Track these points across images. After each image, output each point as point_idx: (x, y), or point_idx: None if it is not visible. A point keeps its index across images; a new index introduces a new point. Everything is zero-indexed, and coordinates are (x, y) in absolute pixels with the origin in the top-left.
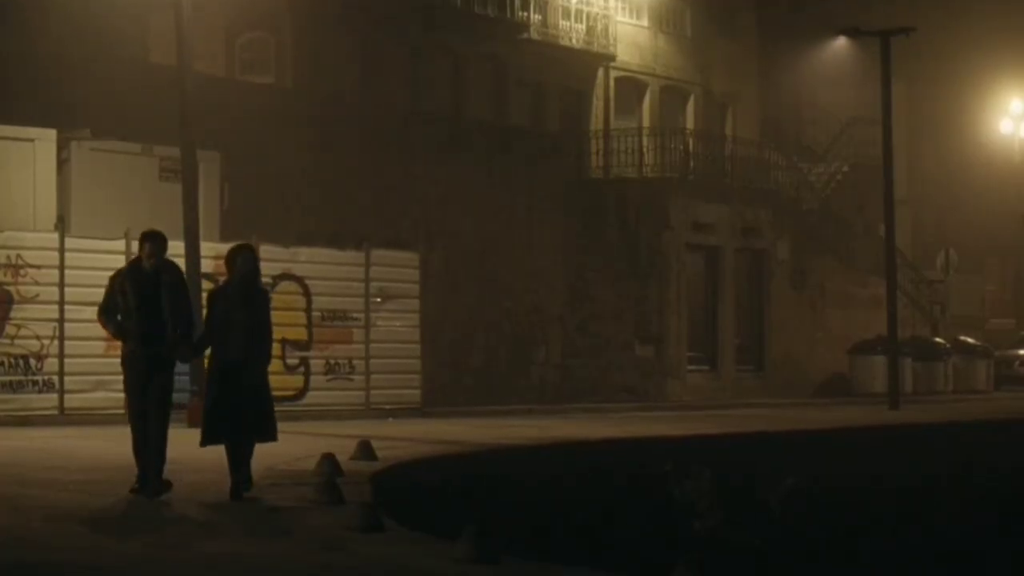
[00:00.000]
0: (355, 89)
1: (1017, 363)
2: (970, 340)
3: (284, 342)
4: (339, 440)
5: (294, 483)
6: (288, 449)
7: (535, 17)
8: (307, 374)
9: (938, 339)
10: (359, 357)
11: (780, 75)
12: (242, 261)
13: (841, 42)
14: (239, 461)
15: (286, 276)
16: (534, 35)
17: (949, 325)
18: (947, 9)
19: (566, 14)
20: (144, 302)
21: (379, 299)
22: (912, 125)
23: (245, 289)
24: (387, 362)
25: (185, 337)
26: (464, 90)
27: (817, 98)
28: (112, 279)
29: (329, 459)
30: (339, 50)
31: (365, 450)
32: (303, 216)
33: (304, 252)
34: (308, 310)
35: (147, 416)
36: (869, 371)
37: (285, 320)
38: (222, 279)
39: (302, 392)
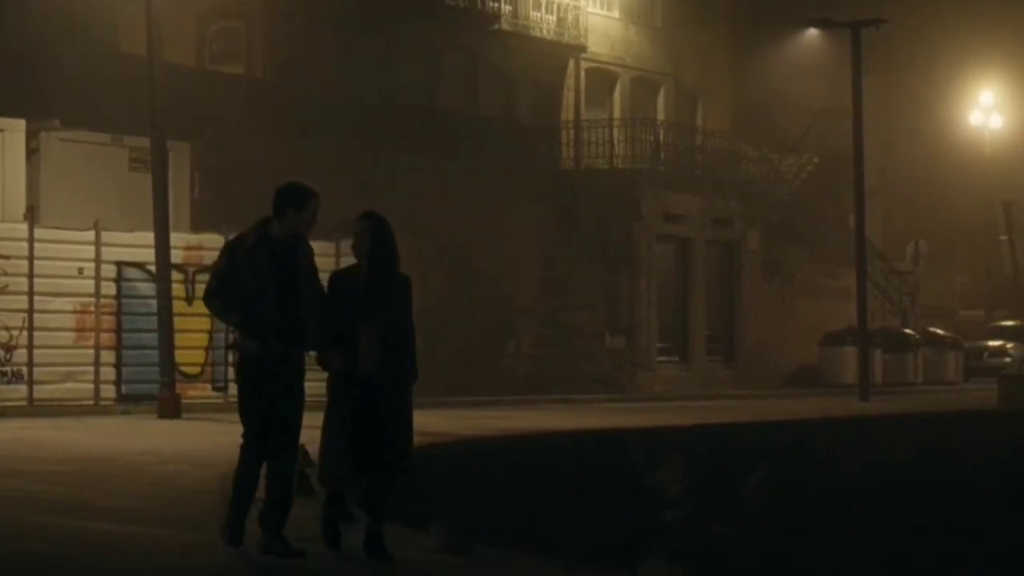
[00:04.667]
0: (327, 79)
1: (986, 354)
2: (940, 331)
3: None
4: (308, 431)
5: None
6: None
7: (506, 8)
8: None
9: (908, 330)
10: None
11: (751, 66)
12: (374, 240)
13: (812, 33)
14: (376, 504)
15: None
16: (505, 26)
17: (919, 316)
18: (918, 0)
19: (537, 5)
20: (283, 284)
21: None
22: (883, 116)
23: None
24: None
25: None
26: (436, 81)
27: (788, 89)
28: (231, 250)
29: (300, 450)
30: (311, 40)
31: None
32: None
33: None
34: None
35: (269, 448)
36: (839, 362)
37: None
38: (193, 271)
39: None
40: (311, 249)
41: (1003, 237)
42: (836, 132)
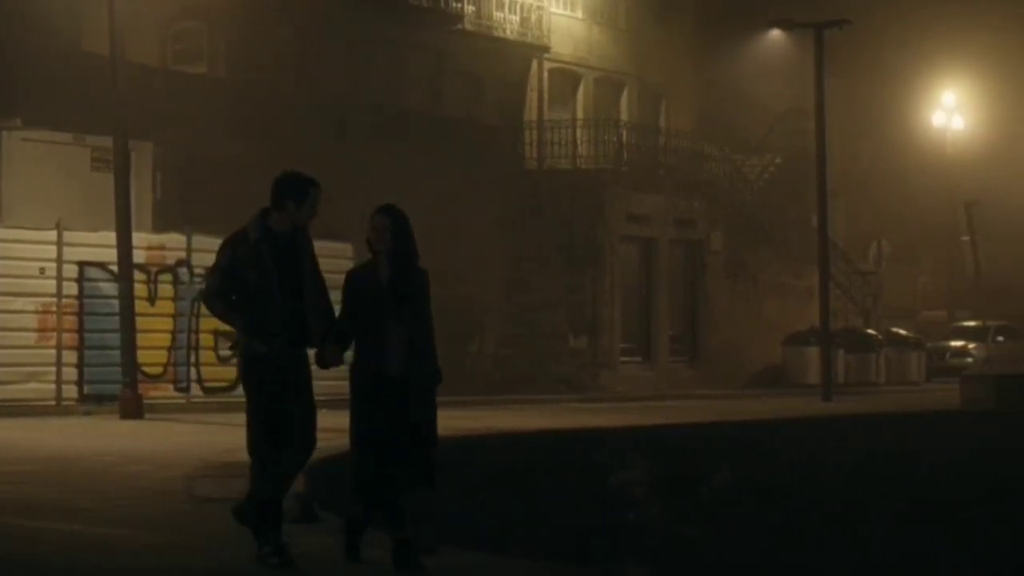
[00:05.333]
0: (290, 79)
1: (949, 355)
2: (902, 332)
3: (217, 333)
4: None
5: (227, 475)
6: (221, 440)
7: (469, 8)
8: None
9: (871, 330)
10: None
11: (715, 66)
12: (395, 236)
13: (776, 34)
14: (396, 514)
15: None
16: (469, 26)
17: (882, 316)
18: (882, 0)
19: (500, 5)
20: (286, 281)
21: None
22: (846, 117)
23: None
24: None
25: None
26: (400, 80)
27: (752, 89)
28: (232, 247)
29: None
30: (274, 39)
31: None
32: (237, 207)
33: None
34: None
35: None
36: (802, 362)
37: None
38: (155, 271)
39: (235, 383)
40: (310, 240)
41: (965, 238)
42: (799, 132)
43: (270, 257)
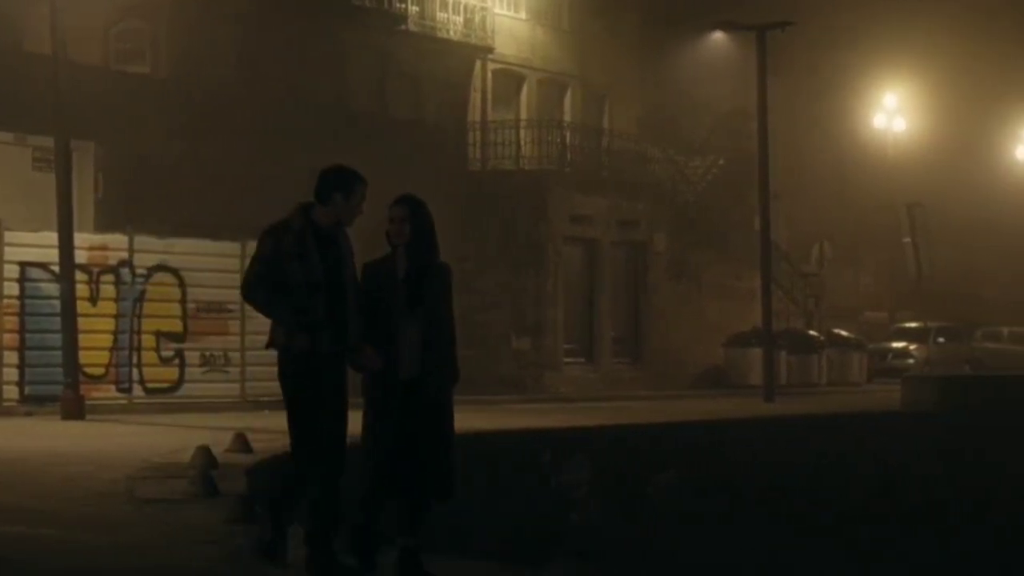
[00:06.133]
0: (233, 79)
1: (890, 356)
2: (844, 333)
3: (159, 334)
4: (214, 432)
5: (169, 476)
6: (163, 441)
7: (413, 8)
8: (182, 366)
9: (813, 332)
10: (235, 349)
11: (659, 68)
12: (414, 228)
13: (719, 35)
14: (412, 520)
15: (161, 267)
16: (412, 27)
17: (824, 318)
18: (824, 2)
19: (444, 6)
20: (329, 276)
21: None
22: (788, 118)
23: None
24: (263, 354)
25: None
26: (344, 81)
27: (696, 91)
28: (276, 236)
29: (204, 451)
30: (216, 40)
31: (240, 442)
32: (179, 207)
33: (180, 243)
34: (184, 302)
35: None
36: (745, 363)
37: (161, 312)
38: (97, 271)
39: (177, 384)
40: (350, 238)
41: (906, 239)
42: (742, 134)
43: (315, 248)
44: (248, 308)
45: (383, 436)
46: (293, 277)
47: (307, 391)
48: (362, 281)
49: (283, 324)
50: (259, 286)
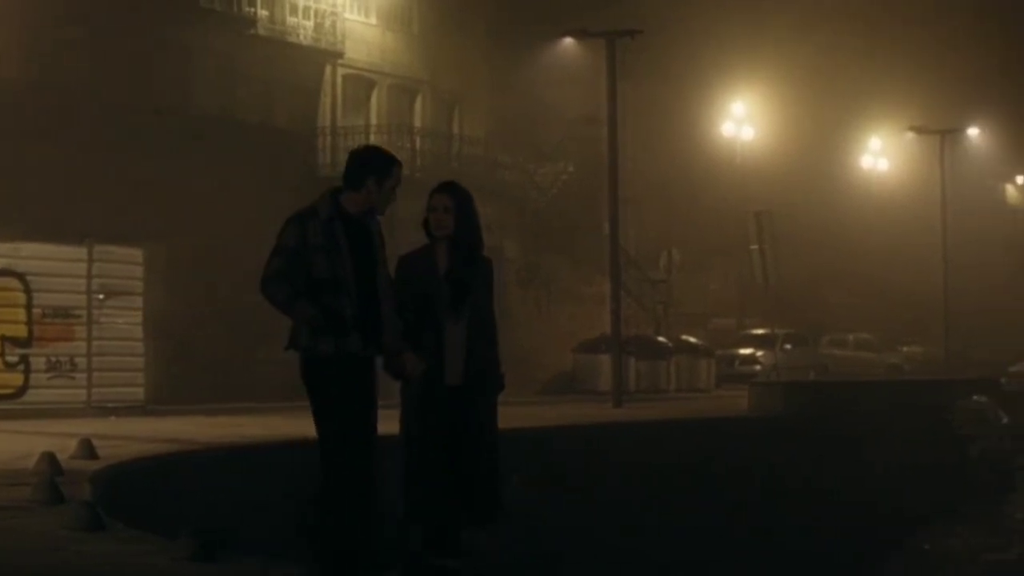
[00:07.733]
0: (84, 81)
1: (738, 362)
2: (692, 339)
3: (3, 339)
4: (60, 439)
5: (11, 483)
6: (6, 448)
7: (262, 13)
8: (27, 371)
9: (661, 338)
10: (81, 354)
11: (509, 74)
12: (458, 219)
13: (570, 42)
14: (446, 538)
15: (7, 272)
16: (262, 31)
17: (673, 324)
18: (674, 10)
19: (294, 10)
20: (359, 271)
21: (102, 296)
22: (638, 126)
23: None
24: (110, 359)
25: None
26: (194, 85)
27: (546, 97)
28: (301, 225)
29: (48, 458)
30: (68, 41)
31: (86, 448)
32: (26, 210)
33: (26, 247)
34: (29, 306)
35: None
36: (594, 369)
37: (5, 317)
38: None
39: (22, 390)
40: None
41: (754, 247)
42: (592, 140)
43: (345, 240)
44: (96, 313)
45: (430, 451)
46: (317, 271)
47: (335, 400)
48: (397, 276)
49: (306, 324)
50: (280, 281)
